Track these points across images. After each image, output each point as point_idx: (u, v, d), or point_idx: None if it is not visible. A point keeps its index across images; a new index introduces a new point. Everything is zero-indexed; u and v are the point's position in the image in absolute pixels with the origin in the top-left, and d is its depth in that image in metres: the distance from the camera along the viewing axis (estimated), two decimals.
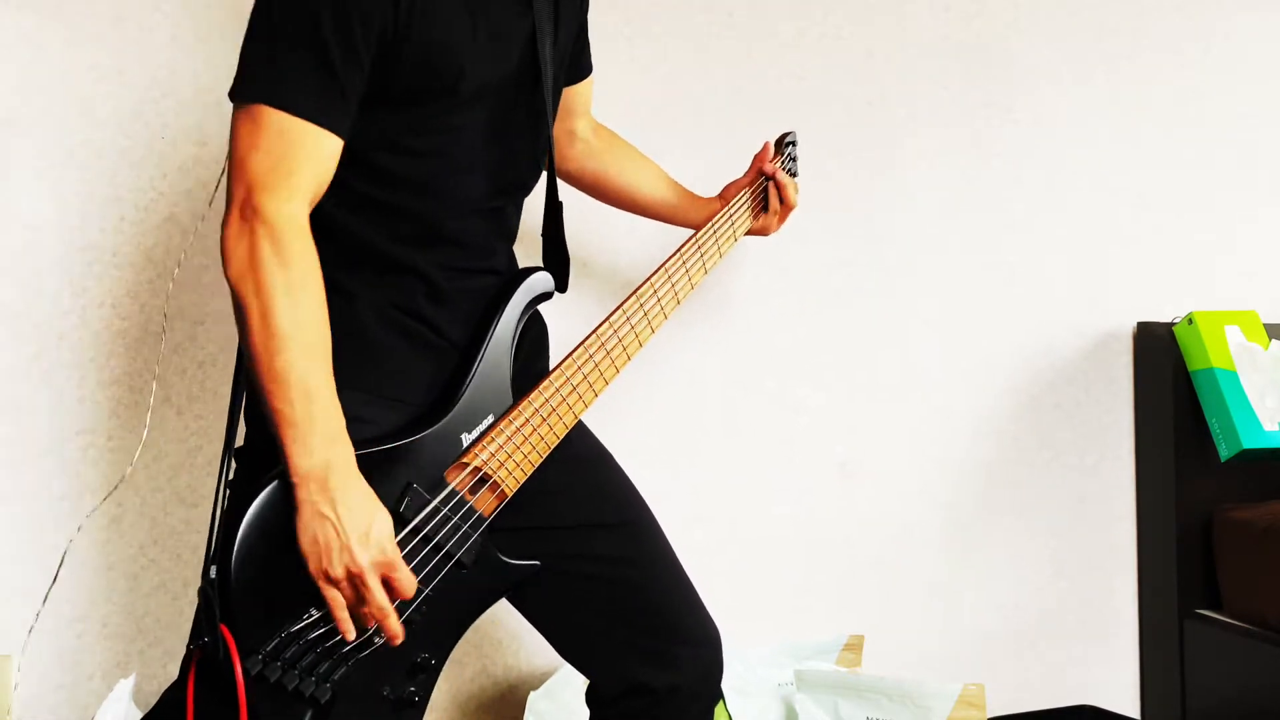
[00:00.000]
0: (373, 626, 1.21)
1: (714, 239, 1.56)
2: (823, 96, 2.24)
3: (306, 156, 1.19)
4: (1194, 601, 2.34)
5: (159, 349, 1.86)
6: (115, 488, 1.80)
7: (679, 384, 2.15)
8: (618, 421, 2.04)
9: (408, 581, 1.20)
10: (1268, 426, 2.26)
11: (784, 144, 1.74)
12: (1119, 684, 2.43)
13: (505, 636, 2.05)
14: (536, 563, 1.37)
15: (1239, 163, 2.54)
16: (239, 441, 1.33)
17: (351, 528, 1.16)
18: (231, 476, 1.28)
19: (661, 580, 1.44)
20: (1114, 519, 2.44)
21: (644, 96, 2.12)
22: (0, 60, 1.78)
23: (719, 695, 1.49)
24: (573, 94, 1.61)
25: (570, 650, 1.47)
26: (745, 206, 1.64)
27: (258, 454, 1.25)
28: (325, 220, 1.27)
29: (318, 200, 1.23)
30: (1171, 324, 2.38)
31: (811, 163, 2.23)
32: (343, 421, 1.19)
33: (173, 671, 1.86)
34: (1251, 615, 2.22)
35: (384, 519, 1.20)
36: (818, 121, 2.23)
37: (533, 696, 1.87)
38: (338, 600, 1.18)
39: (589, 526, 1.41)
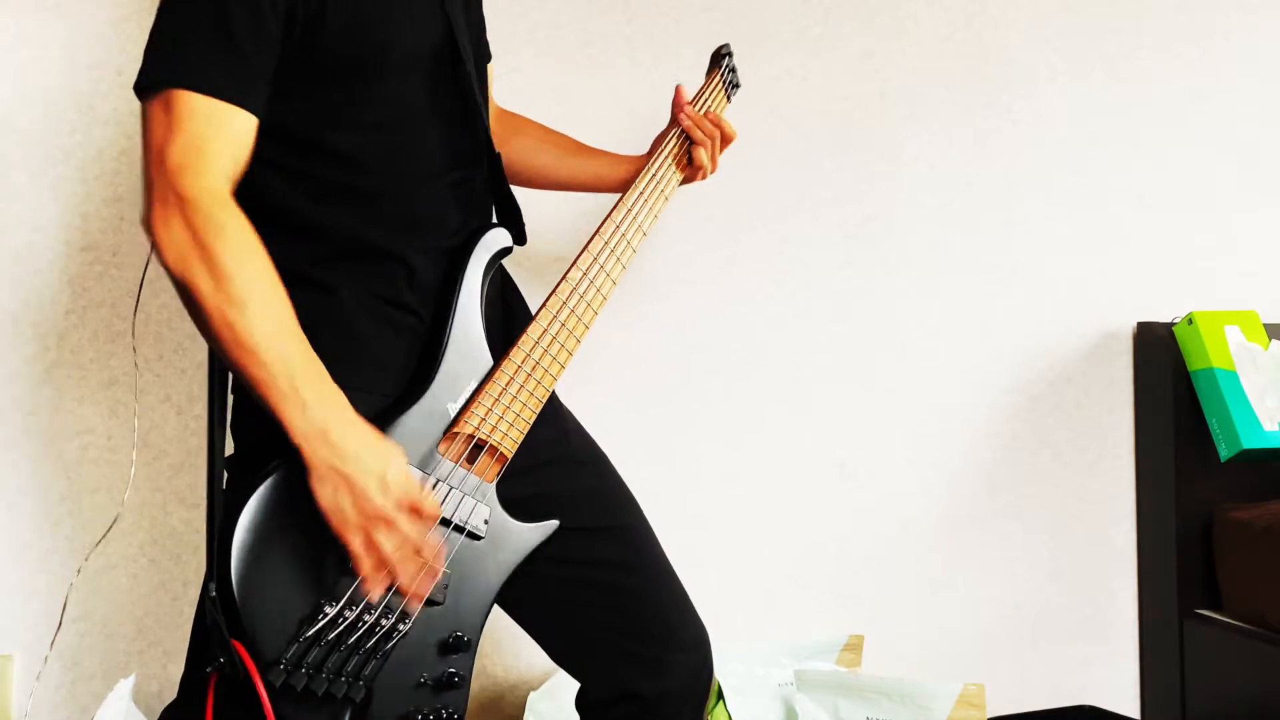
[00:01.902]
0: (408, 575, 1.19)
1: (655, 183, 1.50)
2: (823, 96, 2.24)
3: (219, 133, 1.18)
4: (1194, 601, 2.34)
5: (159, 349, 1.86)
6: (113, 524, 1.80)
7: (677, 384, 2.15)
8: (615, 422, 2.04)
9: (431, 505, 1.20)
10: (1268, 426, 2.26)
11: (720, 57, 1.67)
12: (1119, 684, 2.43)
13: (505, 636, 2.05)
14: (555, 521, 1.34)
15: (1239, 163, 2.54)
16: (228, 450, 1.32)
17: (366, 477, 1.15)
18: (225, 486, 1.26)
19: (654, 586, 1.43)
20: (1114, 519, 2.44)
21: (644, 96, 2.12)
22: (0, 60, 1.78)
23: (708, 694, 1.48)
24: None
25: (562, 654, 1.45)
26: (671, 154, 1.55)
27: (247, 461, 1.24)
28: (298, 217, 1.27)
29: (236, 179, 1.21)
30: (1171, 324, 2.38)
31: (811, 162, 2.23)
32: (325, 371, 1.18)
33: (173, 671, 1.86)
34: (1251, 615, 2.22)
35: (397, 458, 1.19)
36: (818, 121, 2.23)
37: (533, 697, 1.87)
38: (363, 556, 1.17)
39: (584, 530, 1.40)
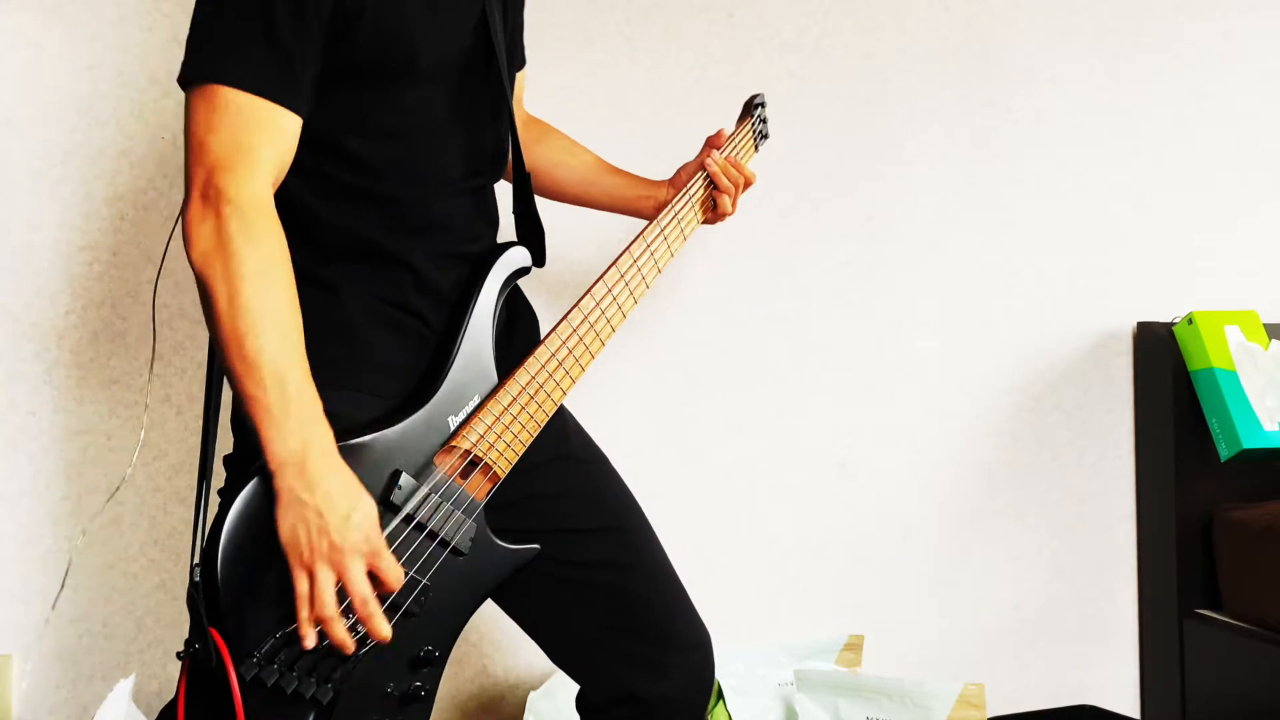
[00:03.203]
0: (355, 625, 1.16)
1: (677, 222, 1.52)
2: (823, 96, 2.24)
3: (267, 135, 1.16)
4: (1194, 601, 2.34)
5: (159, 349, 1.86)
6: (116, 489, 1.81)
7: (679, 384, 2.15)
8: (617, 422, 2.05)
9: (393, 572, 1.16)
10: (1268, 426, 2.26)
11: (753, 106, 1.69)
12: (1119, 684, 2.43)
13: (505, 636, 2.05)
14: (536, 546, 1.34)
15: (1239, 163, 2.54)
16: (228, 449, 1.32)
17: (331, 512, 1.12)
18: (222, 485, 1.26)
19: (655, 587, 1.42)
20: (1114, 519, 2.44)
21: (645, 96, 2.12)
22: (0, 60, 1.78)
23: (709, 697, 1.48)
24: None
25: (562, 656, 1.45)
26: (696, 197, 1.57)
27: (246, 461, 1.23)
28: (308, 215, 1.26)
29: (279, 182, 1.20)
30: (1171, 324, 2.38)
31: (811, 162, 2.23)
32: (319, 405, 1.16)
33: (173, 671, 1.86)
34: (1251, 615, 2.22)
35: (368, 505, 1.15)
36: (818, 121, 2.23)
37: (533, 696, 1.87)
38: (303, 598, 1.12)
39: (584, 531, 1.40)
